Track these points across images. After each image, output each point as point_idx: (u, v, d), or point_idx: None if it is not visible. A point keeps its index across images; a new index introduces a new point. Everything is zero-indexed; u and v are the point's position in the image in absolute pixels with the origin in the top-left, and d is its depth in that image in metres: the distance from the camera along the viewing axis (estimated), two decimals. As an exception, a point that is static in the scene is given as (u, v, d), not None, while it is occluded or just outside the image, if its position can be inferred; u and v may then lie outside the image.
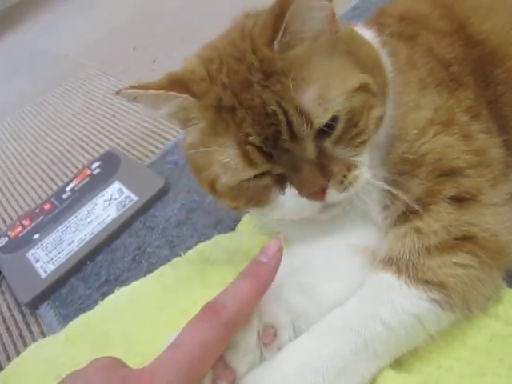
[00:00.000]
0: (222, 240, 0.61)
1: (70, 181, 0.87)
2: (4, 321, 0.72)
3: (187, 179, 0.79)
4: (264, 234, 0.59)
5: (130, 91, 0.43)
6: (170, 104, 0.44)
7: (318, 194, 0.42)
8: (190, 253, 0.61)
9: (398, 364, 0.42)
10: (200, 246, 0.61)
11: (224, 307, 0.38)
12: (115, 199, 0.78)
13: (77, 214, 0.78)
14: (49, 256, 0.73)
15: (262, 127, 0.40)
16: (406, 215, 0.45)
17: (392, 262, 0.42)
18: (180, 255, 0.62)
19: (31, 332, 0.68)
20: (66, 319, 0.64)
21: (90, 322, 0.54)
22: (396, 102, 0.47)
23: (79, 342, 0.52)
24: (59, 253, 0.73)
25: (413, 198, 0.44)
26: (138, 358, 0.48)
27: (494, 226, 0.42)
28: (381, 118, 0.45)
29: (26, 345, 0.66)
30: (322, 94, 0.40)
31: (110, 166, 0.85)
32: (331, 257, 0.48)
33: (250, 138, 0.40)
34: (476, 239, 0.42)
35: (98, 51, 1.52)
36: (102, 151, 0.98)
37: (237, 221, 0.67)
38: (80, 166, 0.97)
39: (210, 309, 0.38)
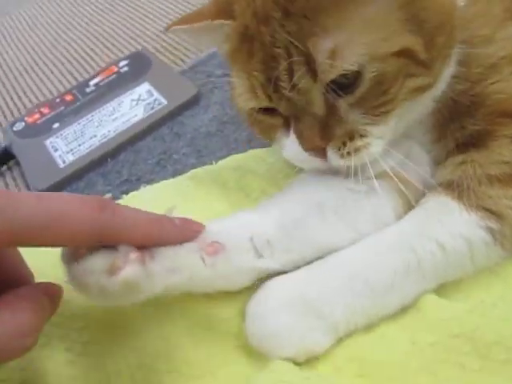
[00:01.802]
0: (259, 153, 0.57)
1: (95, 75, 0.82)
2: (15, 205, 0.69)
3: (220, 91, 0.75)
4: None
5: (177, 28, 0.44)
6: (214, 33, 0.43)
7: (319, 151, 0.40)
8: (223, 161, 0.58)
9: (438, 294, 0.40)
10: (234, 156, 0.58)
11: (114, 214, 0.33)
12: (143, 100, 0.74)
13: (101, 109, 0.74)
14: (68, 147, 0.70)
15: (266, 67, 0.38)
16: (461, 147, 0.42)
17: (452, 187, 0.40)
18: (211, 164, 0.60)
19: (44, 220, 0.66)
20: (82, 211, 0.62)
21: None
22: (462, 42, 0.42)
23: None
24: (79, 145, 0.70)
25: (466, 135, 0.42)
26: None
27: None
28: (421, 89, 0.39)
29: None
30: (340, 46, 0.35)
31: (140, 66, 0.80)
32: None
33: (255, 73, 0.38)
34: None
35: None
36: (128, 53, 0.93)
37: (272, 140, 0.64)
38: (103, 66, 0.92)
39: (102, 202, 0.32)
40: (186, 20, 0.44)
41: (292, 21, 0.36)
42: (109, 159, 0.69)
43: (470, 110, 0.42)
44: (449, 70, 0.42)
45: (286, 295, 0.38)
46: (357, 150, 0.39)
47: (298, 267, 0.41)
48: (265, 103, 0.40)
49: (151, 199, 0.55)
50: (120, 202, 0.55)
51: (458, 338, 0.37)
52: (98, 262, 0.32)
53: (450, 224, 0.39)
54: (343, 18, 0.35)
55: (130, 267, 0.32)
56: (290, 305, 0.37)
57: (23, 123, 0.76)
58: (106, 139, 0.70)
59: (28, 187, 0.71)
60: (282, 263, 0.41)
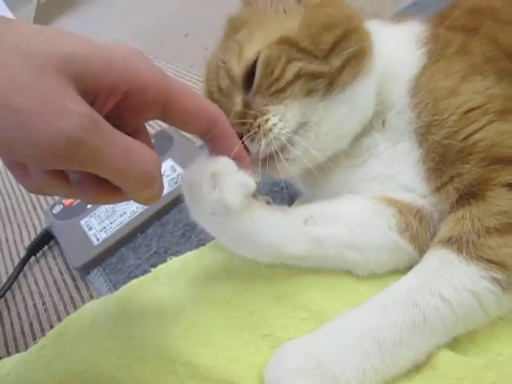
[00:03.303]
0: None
1: (123, 156, 0.89)
2: (55, 283, 0.75)
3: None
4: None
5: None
6: None
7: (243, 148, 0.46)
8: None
9: (453, 348, 0.41)
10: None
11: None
12: (167, 176, 0.80)
13: (129, 187, 0.80)
14: (101, 225, 0.76)
15: (208, 83, 0.51)
16: (461, 200, 0.44)
17: (452, 241, 0.42)
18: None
19: (81, 296, 0.71)
20: (115, 286, 0.66)
21: (144, 286, 0.56)
22: (425, 89, 0.48)
23: (133, 302, 0.53)
24: (111, 223, 0.75)
25: (465, 184, 0.44)
26: (189, 318, 0.50)
27: None
28: (313, 75, 0.46)
29: (75, 307, 0.69)
30: (242, 50, 0.47)
31: (163, 144, 0.87)
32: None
33: (204, 89, 0.53)
34: None
35: (150, 37, 1.55)
36: (154, 132, 1.00)
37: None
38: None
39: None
40: None
41: (223, 44, 0.51)
42: (138, 234, 0.74)
43: (462, 156, 0.45)
44: (372, 83, 0.49)
45: (300, 359, 0.40)
46: (259, 126, 0.46)
47: (334, 242, 0.48)
48: None
49: (178, 270, 0.59)
50: (149, 275, 0.59)
51: (474, 395, 0.37)
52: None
53: (451, 277, 0.40)
54: (250, 31, 0.49)
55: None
56: (303, 368, 0.39)
57: (61, 206, 0.83)
58: (134, 215, 0.75)
59: (67, 266, 0.77)
60: (323, 233, 0.48)
